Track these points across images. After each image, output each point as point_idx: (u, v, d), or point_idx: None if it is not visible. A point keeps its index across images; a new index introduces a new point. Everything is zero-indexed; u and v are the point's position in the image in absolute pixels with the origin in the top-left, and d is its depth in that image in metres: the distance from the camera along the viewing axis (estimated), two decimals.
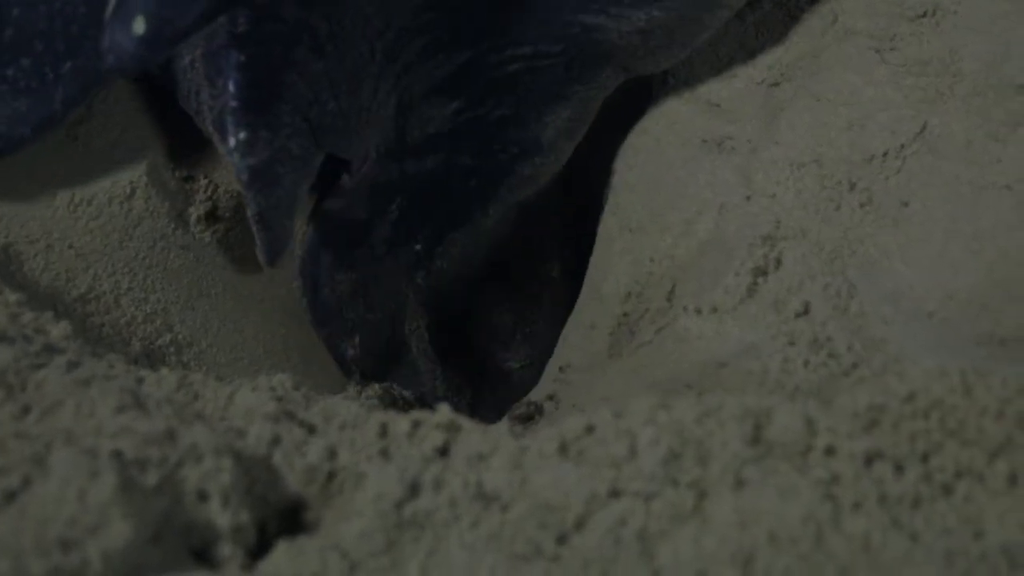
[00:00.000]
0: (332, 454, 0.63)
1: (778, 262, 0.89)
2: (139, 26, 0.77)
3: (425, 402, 1.05)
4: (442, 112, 0.99)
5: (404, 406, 1.02)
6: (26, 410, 0.63)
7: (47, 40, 0.88)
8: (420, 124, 0.99)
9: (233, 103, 0.85)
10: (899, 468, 0.58)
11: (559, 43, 0.98)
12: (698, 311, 0.88)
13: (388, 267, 1.05)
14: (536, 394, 1.00)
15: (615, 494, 0.58)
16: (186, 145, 0.90)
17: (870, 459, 0.59)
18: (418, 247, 1.05)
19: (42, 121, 0.89)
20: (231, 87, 0.85)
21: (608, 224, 1.04)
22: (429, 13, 0.93)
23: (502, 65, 0.98)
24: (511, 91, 1.00)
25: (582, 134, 1.06)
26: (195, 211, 0.98)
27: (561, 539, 0.56)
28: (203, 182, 0.99)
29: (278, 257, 0.91)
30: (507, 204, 1.07)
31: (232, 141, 0.86)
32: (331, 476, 0.62)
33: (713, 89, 1.05)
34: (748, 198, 0.95)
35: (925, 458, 0.59)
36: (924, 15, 1.00)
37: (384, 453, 0.63)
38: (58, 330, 0.76)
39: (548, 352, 1.07)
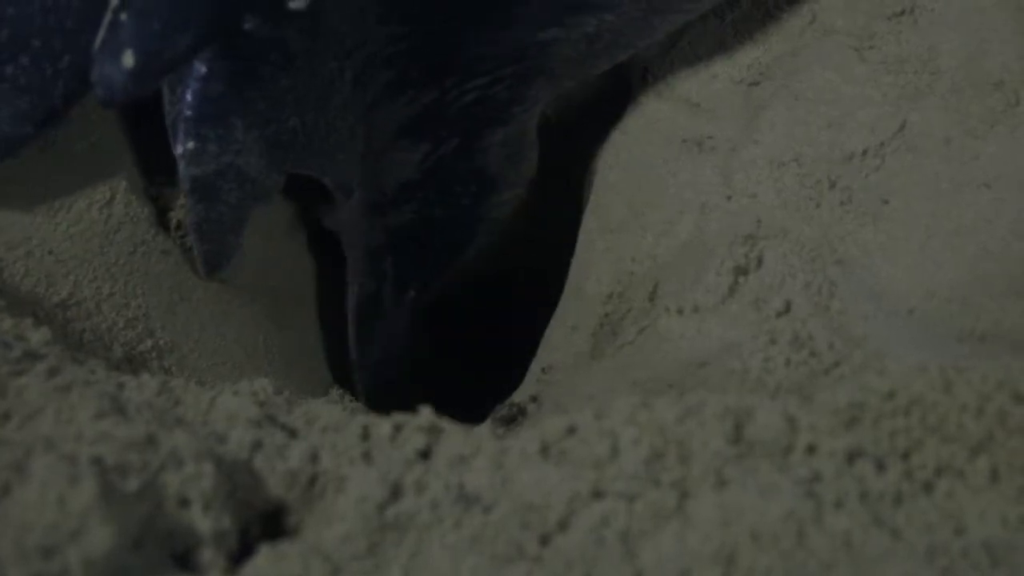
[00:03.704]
0: (314, 458, 0.63)
1: (759, 261, 0.89)
2: (128, 59, 0.78)
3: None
4: (411, 158, 1.00)
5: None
6: (6, 417, 0.62)
7: (44, 36, 0.88)
8: (394, 171, 1.00)
9: (187, 112, 0.86)
10: (880, 465, 0.58)
11: (511, 65, 0.98)
12: (680, 311, 0.88)
13: (401, 327, 1.10)
14: (518, 395, 1.00)
15: (597, 494, 0.58)
16: (165, 149, 0.90)
17: (851, 457, 0.59)
18: (412, 294, 1.10)
19: (45, 118, 0.89)
20: (187, 96, 0.86)
21: (589, 224, 1.04)
22: (398, 44, 0.93)
23: (460, 98, 0.98)
24: (463, 124, 1.00)
25: (531, 163, 1.06)
26: (175, 215, 0.98)
27: (543, 540, 0.56)
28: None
29: (216, 270, 0.95)
30: (485, 245, 1.09)
31: (180, 149, 0.88)
32: (313, 480, 0.62)
33: (693, 88, 1.05)
34: (729, 198, 0.95)
35: (906, 455, 0.59)
36: (902, 13, 1.00)
37: (366, 456, 0.63)
38: (38, 336, 0.76)
39: None
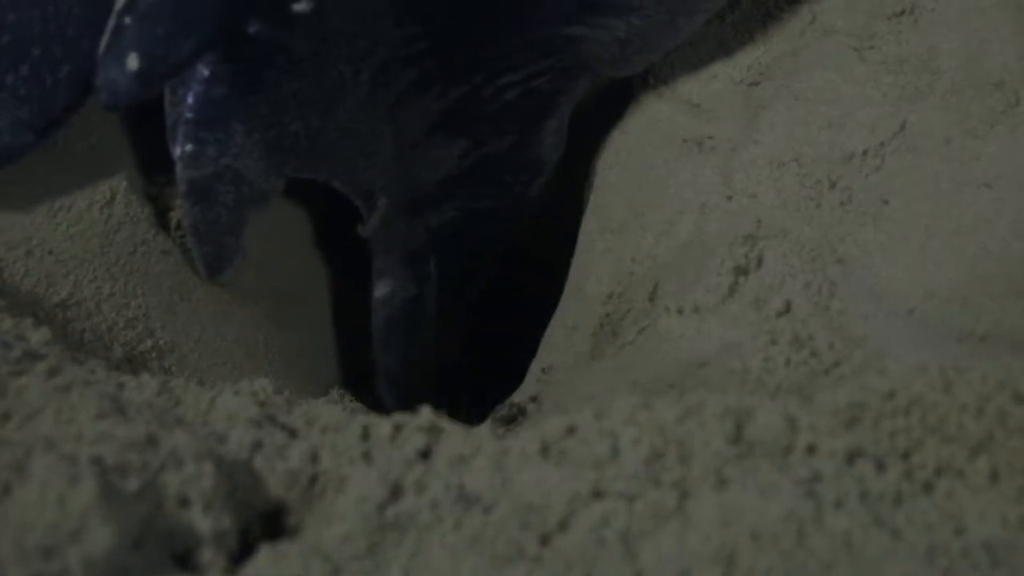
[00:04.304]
0: (314, 458, 0.63)
1: (759, 261, 0.89)
2: (132, 63, 0.78)
3: None
4: (449, 154, 0.99)
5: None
6: (6, 417, 0.62)
7: (44, 45, 0.88)
8: (429, 168, 0.99)
9: (188, 115, 0.87)
10: (880, 466, 0.58)
11: (546, 58, 0.98)
12: (680, 311, 0.88)
13: (449, 329, 1.09)
14: (519, 395, 1.00)
15: (597, 494, 0.58)
16: (165, 149, 0.90)
17: (851, 457, 0.59)
18: (464, 291, 1.09)
19: (45, 127, 0.89)
20: (189, 99, 0.86)
21: (589, 224, 1.04)
22: (418, 43, 0.92)
23: (500, 94, 0.98)
24: (512, 119, 1.00)
25: (563, 146, 1.06)
26: (175, 215, 0.98)
27: (543, 540, 0.56)
28: None
29: (217, 273, 0.95)
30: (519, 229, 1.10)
31: (179, 151, 0.88)
32: (313, 480, 0.62)
33: (693, 89, 1.05)
34: (729, 198, 0.95)
35: (906, 455, 0.59)
36: (902, 13, 1.00)
37: (366, 456, 0.63)
38: (38, 336, 0.76)
39: None
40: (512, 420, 0.93)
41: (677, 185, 0.99)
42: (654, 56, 1.03)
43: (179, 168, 0.89)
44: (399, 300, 1.04)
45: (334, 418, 0.67)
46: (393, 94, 0.94)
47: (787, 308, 0.84)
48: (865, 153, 0.93)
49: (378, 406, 1.04)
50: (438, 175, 1.00)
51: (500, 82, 0.98)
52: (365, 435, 0.64)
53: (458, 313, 1.10)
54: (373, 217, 0.99)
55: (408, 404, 1.05)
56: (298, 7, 0.85)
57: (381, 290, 1.04)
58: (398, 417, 0.64)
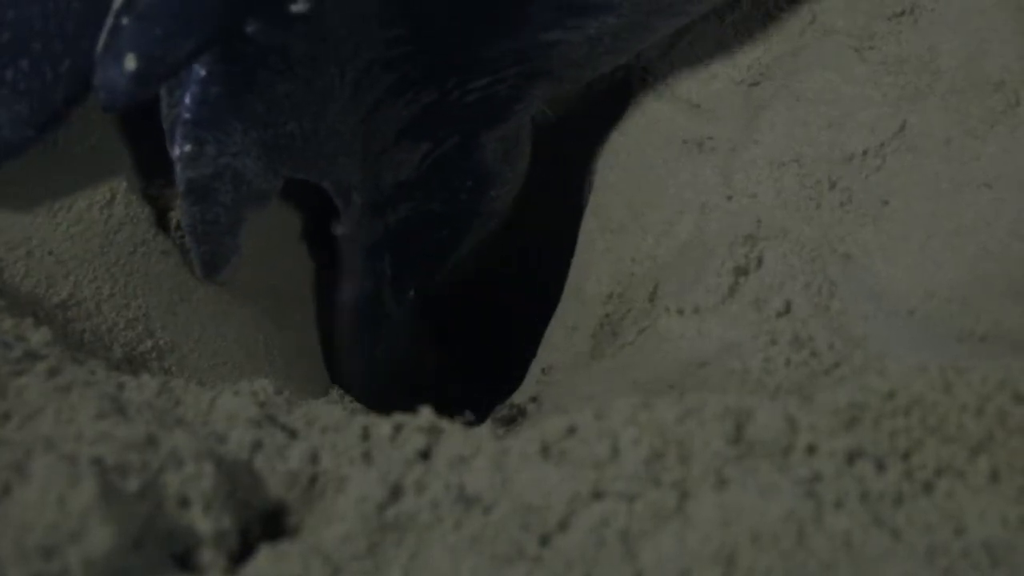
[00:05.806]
0: (314, 458, 0.63)
1: (759, 261, 0.89)
2: (130, 63, 0.78)
3: None
4: (411, 157, 1.00)
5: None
6: (6, 417, 0.62)
7: (44, 40, 0.88)
8: (392, 169, 0.99)
9: (186, 115, 0.87)
10: (880, 466, 0.58)
11: (515, 65, 0.98)
12: (680, 311, 0.88)
13: (406, 328, 1.09)
14: (518, 396, 1.00)
15: (597, 495, 0.58)
16: (165, 149, 0.90)
17: (851, 457, 0.59)
18: (411, 293, 1.09)
19: (46, 122, 0.89)
20: (187, 100, 0.86)
21: (589, 225, 1.04)
22: (402, 47, 0.93)
23: (463, 98, 0.98)
24: (465, 122, 1.01)
25: (524, 161, 1.06)
26: (175, 215, 0.98)
27: (543, 540, 0.56)
28: None
29: (215, 272, 0.95)
30: (475, 243, 1.09)
31: (177, 151, 0.88)
32: (313, 480, 0.62)
33: (693, 89, 1.05)
34: (729, 198, 0.95)
35: (906, 455, 0.59)
36: (902, 13, 1.00)
37: (366, 456, 0.63)
38: (38, 336, 0.76)
39: None
40: (512, 420, 0.93)
41: (677, 185, 0.99)
42: (621, 58, 1.02)
43: (178, 168, 0.89)
44: (362, 300, 1.04)
45: (334, 418, 0.67)
46: (372, 96, 0.94)
47: (787, 308, 0.84)
48: (865, 153, 0.93)
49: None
50: (399, 177, 1.01)
51: (468, 87, 0.98)
52: (365, 435, 0.64)
53: (415, 314, 1.10)
54: (349, 215, 0.99)
55: (381, 402, 1.06)
56: (296, 7, 0.85)
57: (345, 293, 1.04)
58: (398, 417, 0.64)
